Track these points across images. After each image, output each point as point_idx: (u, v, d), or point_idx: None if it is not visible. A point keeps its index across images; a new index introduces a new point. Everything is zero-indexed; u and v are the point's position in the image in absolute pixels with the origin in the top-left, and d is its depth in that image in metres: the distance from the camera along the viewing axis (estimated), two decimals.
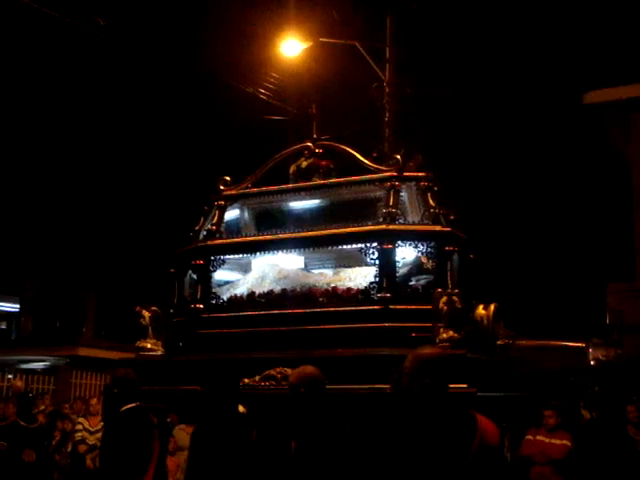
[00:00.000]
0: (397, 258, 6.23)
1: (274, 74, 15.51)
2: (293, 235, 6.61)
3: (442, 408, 3.72)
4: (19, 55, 18.21)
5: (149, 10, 15.16)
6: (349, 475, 4.62)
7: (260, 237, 6.87)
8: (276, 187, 7.07)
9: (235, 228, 7.28)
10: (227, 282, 7.18)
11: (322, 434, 4.75)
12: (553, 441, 9.44)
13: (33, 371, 18.13)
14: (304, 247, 6.68)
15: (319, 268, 7.00)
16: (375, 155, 14.63)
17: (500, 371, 6.23)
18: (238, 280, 7.10)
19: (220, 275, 7.14)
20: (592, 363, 15.56)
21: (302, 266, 7.04)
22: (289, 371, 5.40)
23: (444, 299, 5.70)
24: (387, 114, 14.55)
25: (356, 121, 15.54)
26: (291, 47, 14.59)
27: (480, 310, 6.33)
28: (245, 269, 7.26)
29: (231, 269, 7.27)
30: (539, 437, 9.61)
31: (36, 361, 19.81)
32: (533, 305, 19.24)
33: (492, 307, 6.36)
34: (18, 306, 24.73)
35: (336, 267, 6.87)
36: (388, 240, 6.18)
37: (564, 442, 9.42)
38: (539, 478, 9.39)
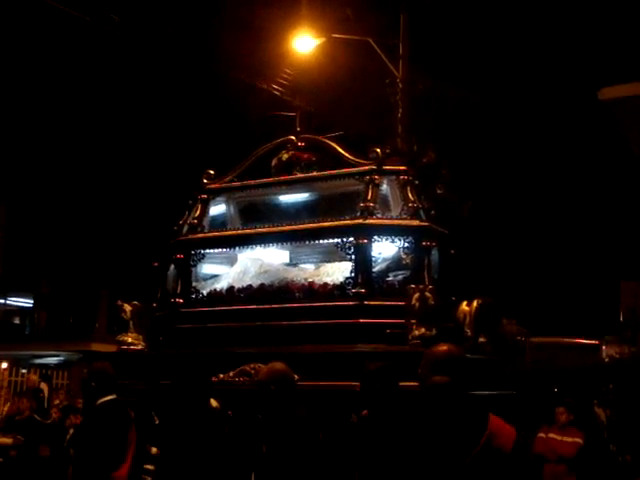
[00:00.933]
0: (374, 253, 6.18)
1: (287, 70, 15.50)
2: (270, 230, 6.60)
3: (451, 407, 3.64)
4: (33, 50, 18.25)
5: (163, 6, 15.19)
6: (320, 472, 4.60)
7: (238, 231, 6.85)
8: (256, 181, 7.03)
9: (221, 222, 7.24)
10: (214, 276, 7.15)
11: (291, 431, 4.70)
12: (565, 439, 9.39)
13: (47, 366, 18.22)
14: (281, 241, 6.65)
15: (304, 262, 6.95)
16: (387, 151, 14.68)
17: (482, 368, 6.02)
18: (222, 274, 7.08)
19: (209, 269, 7.15)
20: (606, 360, 15.48)
21: (287, 260, 7.01)
22: (263, 367, 5.31)
23: (417, 295, 5.62)
24: (400, 110, 14.49)
25: (368, 117, 15.51)
26: (304, 43, 14.57)
27: (463, 307, 6.26)
28: (232, 263, 7.21)
29: (220, 262, 7.25)
30: (551, 435, 9.56)
31: (50, 356, 19.91)
32: (547, 303, 19.15)
33: (475, 304, 6.27)
34: (32, 302, 24.86)
35: (320, 262, 6.81)
36: (364, 235, 6.10)
37: (576, 440, 9.36)
38: (552, 476, 9.35)
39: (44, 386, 12.87)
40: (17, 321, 26.44)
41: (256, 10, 15.74)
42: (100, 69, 19.11)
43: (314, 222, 6.43)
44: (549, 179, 19.68)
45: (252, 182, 7.04)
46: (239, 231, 6.84)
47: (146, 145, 19.79)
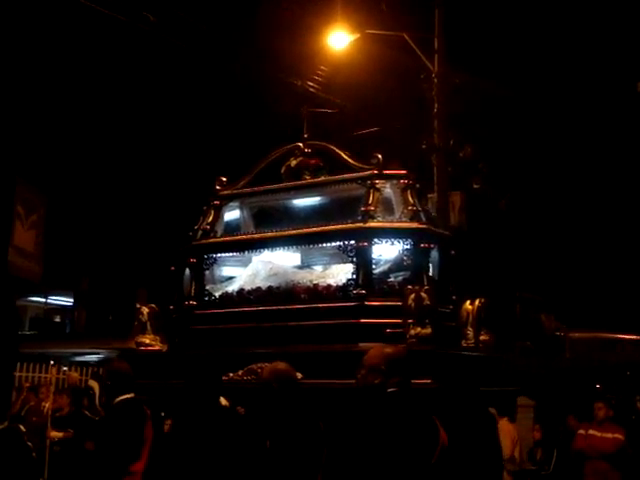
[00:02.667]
0: (375, 255, 6.44)
1: (322, 67, 15.50)
2: (277, 234, 6.89)
3: (409, 407, 3.73)
4: (66, 50, 18.47)
5: (197, 3, 15.25)
6: (321, 470, 4.74)
7: (247, 236, 7.17)
8: (264, 187, 7.34)
9: (235, 226, 7.55)
10: (230, 278, 7.46)
11: (295, 429, 4.90)
12: (605, 435, 9.34)
13: (87, 363, 18.42)
14: (287, 245, 6.97)
15: (315, 264, 7.20)
16: (424, 147, 14.60)
17: (482, 366, 6.28)
18: (236, 277, 7.38)
19: (226, 271, 7.48)
20: None
21: (299, 262, 7.26)
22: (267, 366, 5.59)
23: (413, 296, 5.82)
24: (435, 105, 14.42)
25: (404, 113, 15.47)
26: (339, 39, 14.56)
27: (467, 305, 6.46)
28: (247, 265, 7.51)
29: (236, 265, 7.55)
30: (591, 431, 9.51)
31: (89, 354, 20.14)
32: (589, 298, 18.95)
33: (477, 302, 6.46)
34: (72, 300, 25.16)
35: (328, 264, 7.07)
36: (364, 238, 6.36)
37: (616, 436, 9.30)
38: (594, 473, 9.27)
39: (94, 384, 13.06)
40: (58, 319, 26.80)
41: (291, 7, 15.75)
42: (135, 69, 19.26)
43: (318, 226, 6.72)
44: (588, 172, 19.46)
45: (261, 188, 7.35)
46: (248, 236, 7.17)
47: (187, 146, 19.94)
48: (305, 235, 6.75)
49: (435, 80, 14.49)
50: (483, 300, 6.50)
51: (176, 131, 20.11)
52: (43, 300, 26.09)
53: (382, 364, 3.91)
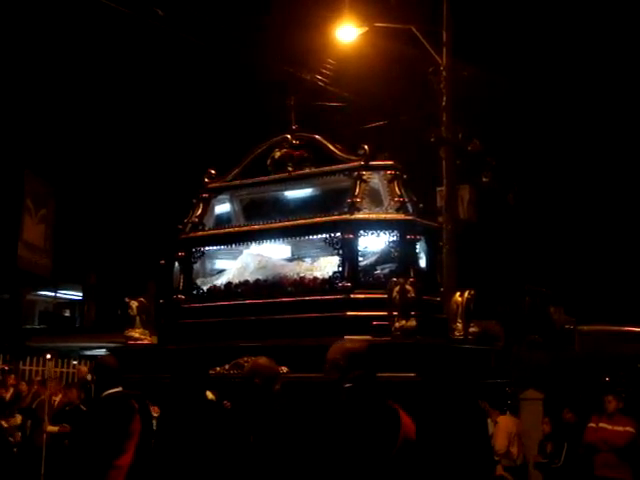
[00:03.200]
0: (361, 247, 6.39)
1: (330, 60, 15.49)
2: (263, 226, 6.85)
3: (371, 400, 3.81)
4: (75, 45, 18.49)
5: None
6: (303, 464, 4.72)
7: (234, 229, 7.13)
8: (251, 179, 7.29)
9: (227, 219, 7.50)
10: (221, 271, 7.42)
11: (277, 424, 4.94)
12: (616, 428, 9.34)
13: (96, 357, 18.48)
14: (274, 238, 6.92)
15: (304, 257, 7.15)
16: (432, 140, 14.58)
17: (468, 358, 6.27)
18: (226, 270, 7.34)
19: (219, 264, 7.45)
20: None
21: (289, 255, 7.22)
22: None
23: (397, 288, 5.77)
24: (444, 98, 14.40)
25: (412, 106, 15.45)
26: (347, 33, 14.53)
27: (456, 297, 6.45)
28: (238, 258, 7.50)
29: (227, 258, 7.50)
30: (601, 424, 9.51)
31: (99, 348, 20.19)
32: (598, 291, 18.91)
33: (466, 294, 6.44)
34: (81, 294, 25.22)
35: (317, 256, 7.01)
36: (350, 230, 6.31)
37: (627, 429, 9.30)
38: (603, 466, 9.28)
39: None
40: (67, 313, 26.88)
41: (299, 1, 15.75)
42: (141, 63, 19.27)
43: (305, 218, 6.68)
44: (597, 165, 19.42)
45: (248, 181, 7.29)
46: (234, 229, 7.13)
47: (196, 140, 19.96)
48: (291, 227, 6.71)
49: (443, 73, 14.45)
50: (472, 292, 6.48)
51: (184, 122, 20.11)
52: (52, 294, 26.19)
53: (341, 359, 3.96)
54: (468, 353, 6.23)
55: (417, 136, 15.04)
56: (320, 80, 15.65)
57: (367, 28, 14.37)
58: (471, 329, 6.42)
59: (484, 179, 14.91)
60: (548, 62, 17.87)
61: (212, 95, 19.39)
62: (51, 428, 10.70)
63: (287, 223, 6.72)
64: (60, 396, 11.57)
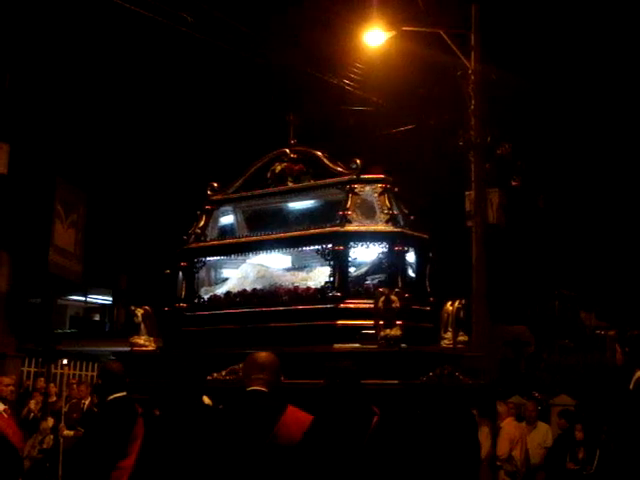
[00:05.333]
0: (352, 258, 6.70)
1: (358, 64, 15.56)
2: (259, 238, 7.24)
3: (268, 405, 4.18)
4: (103, 52, 18.72)
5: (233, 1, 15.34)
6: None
7: (232, 240, 7.49)
8: (252, 192, 7.66)
9: (231, 230, 7.85)
10: (225, 280, 7.74)
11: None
12: None
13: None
14: (270, 249, 7.23)
15: (303, 267, 7.43)
16: (461, 144, 14.59)
17: (461, 364, 6.45)
18: (228, 279, 7.67)
19: (224, 274, 7.78)
20: None
21: (288, 265, 7.54)
22: None
23: (382, 298, 6.01)
24: (472, 102, 14.40)
25: (441, 110, 15.47)
26: (374, 37, 14.60)
27: (447, 307, 6.66)
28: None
29: (231, 267, 7.83)
30: None
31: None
32: (630, 296, 18.76)
33: (457, 304, 6.63)
34: (111, 299, 25.46)
35: (314, 267, 7.28)
36: (341, 241, 6.61)
37: None
38: None
39: None
40: (97, 317, 27.17)
41: (326, 4, 15.83)
42: (169, 69, 19.45)
43: (300, 230, 7.02)
44: (630, 167, 19.26)
45: (248, 193, 7.67)
46: (233, 240, 7.49)
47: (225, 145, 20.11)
48: (286, 239, 7.03)
49: (472, 77, 14.46)
50: (463, 301, 6.66)
51: (211, 129, 20.27)
52: (83, 299, 26.52)
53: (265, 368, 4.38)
54: (449, 360, 6.38)
55: (445, 140, 15.05)
56: (348, 84, 15.72)
57: (395, 32, 14.43)
58: (460, 337, 6.62)
59: (513, 183, 14.88)
60: (578, 64, 17.79)
61: (240, 101, 19.51)
62: (67, 432, 10.84)
63: (282, 235, 7.07)
64: (89, 399, 11.71)
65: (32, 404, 12.34)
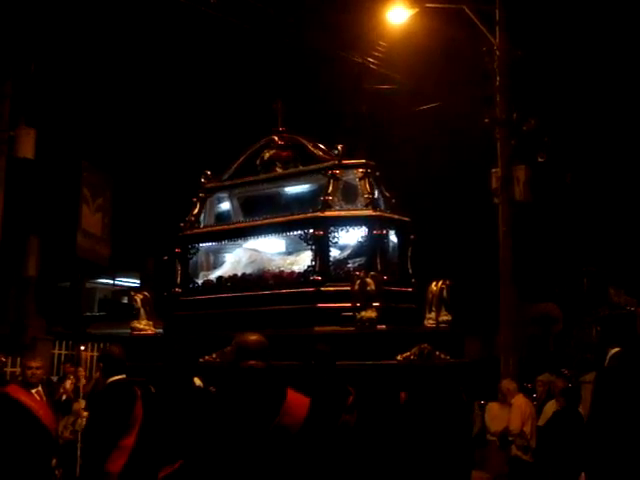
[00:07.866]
0: (332, 242, 6.87)
1: (381, 42, 15.53)
2: (246, 224, 7.48)
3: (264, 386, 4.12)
4: (127, 38, 18.81)
5: None
6: None
7: (222, 227, 7.75)
8: (243, 179, 7.87)
9: (227, 217, 8.10)
10: (221, 264, 7.99)
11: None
12: None
13: None
14: (256, 235, 7.46)
15: (293, 252, 7.59)
16: (487, 121, 14.53)
17: (444, 343, 6.58)
18: (223, 264, 7.94)
19: (222, 258, 7.98)
20: None
21: (281, 250, 7.72)
22: None
23: (358, 281, 6.19)
24: (498, 78, 14.33)
25: (466, 87, 15.41)
26: (398, 14, 14.55)
27: (432, 287, 6.78)
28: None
29: (229, 252, 8.01)
30: None
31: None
32: None
33: (440, 284, 6.75)
34: (139, 281, 25.70)
35: (302, 251, 7.41)
36: (321, 226, 6.80)
37: None
38: None
39: None
40: (125, 300, 27.40)
41: None
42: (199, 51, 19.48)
43: (285, 216, 7.23)
44: None
45: (238, 180, 7.89)
46: (224, 226, 7.76)
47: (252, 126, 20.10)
48: (271, 225, 7.25)
49: (497, 53, 14.38)
50: (448, 282, 6.76)
51: (232, 114, 20.32)
52: (111, 282, 26.79)
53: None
54: (433, 340, 6.51)
55: (471, 117, 14.99)
56: (371, 62, 15.71)
57: (418, 9, 14.37)
58: (443, 317, 6.72)
59: (540, 159, 14.81)
60: (605, 39, 17.61)
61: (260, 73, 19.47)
62: (86, 414, 11.07)
63: (267, 220, 7.30)
64: None
65: (67, 384, 12.55)
